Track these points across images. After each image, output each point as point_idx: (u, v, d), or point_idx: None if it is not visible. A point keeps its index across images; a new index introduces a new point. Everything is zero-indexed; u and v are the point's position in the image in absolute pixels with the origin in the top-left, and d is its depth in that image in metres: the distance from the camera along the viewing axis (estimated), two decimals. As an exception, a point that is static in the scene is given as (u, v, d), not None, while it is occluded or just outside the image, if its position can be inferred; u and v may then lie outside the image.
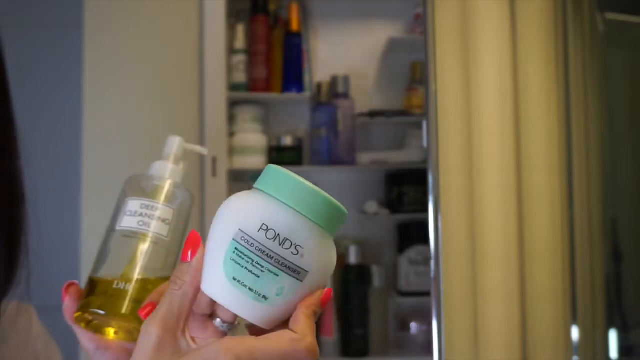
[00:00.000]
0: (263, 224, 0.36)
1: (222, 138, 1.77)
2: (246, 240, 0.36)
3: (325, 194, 0.38)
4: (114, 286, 0.48)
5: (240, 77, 1.96)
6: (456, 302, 1.29)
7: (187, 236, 0.39)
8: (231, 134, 1.95)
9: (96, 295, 0.49)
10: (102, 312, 0.48)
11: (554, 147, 1.28)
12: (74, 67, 1.71)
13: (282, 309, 0.38)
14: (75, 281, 0.50)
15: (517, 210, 1.28)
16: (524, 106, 1.28)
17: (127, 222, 0.50)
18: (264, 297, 0.37)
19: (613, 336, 1.31)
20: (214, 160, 1.73)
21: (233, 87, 1.94)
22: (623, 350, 1.32)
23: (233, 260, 0.37)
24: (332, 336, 1.96)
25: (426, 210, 1.32)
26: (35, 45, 1.85)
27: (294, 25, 2.01)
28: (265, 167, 0.40)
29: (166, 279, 0.49)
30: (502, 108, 1.27)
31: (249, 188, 0.41)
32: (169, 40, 1.78)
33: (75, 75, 1.70)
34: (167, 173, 0.54)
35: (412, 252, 2.01)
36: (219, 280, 0.37)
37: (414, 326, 1.99)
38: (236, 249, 0.37)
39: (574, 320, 1.26)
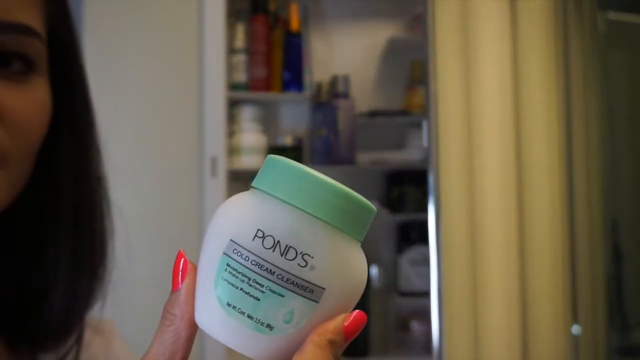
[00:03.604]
0: (258, 229, 0.28)
1: (221, 138, 1.77)
2: (239, 253, 0.28)
3: (341, 186, 0.30)
4: None
5: (240, 76, 1.96)
6: (456, 302, 1.29)
7: (175, 258, 0.31)
8: (231, 133, 1.94)
9: None
10: None
11: (554, 147, 1.28)
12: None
13: (296, 341, 0.29)
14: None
15: (517, 210, 1.28)
16: (524, 106, 1.28)
17: None
18: (269, 326, 0.28)
19: (613, 336, 1.31)
20: (213, 160, 1.72)
21: (233, 86, 1.94)
22: (623, 350, 1.32)
23: (226, 280, 0.28)
24: (332, 336, 1.96)
25: (426, 210, 1.32)
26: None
27: (294, 25, 2.01)
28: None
29: None
30: (502, 108, 1.27)
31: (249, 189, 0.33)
32: (169, 40, 1.78)
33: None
34: None
35: (412, 252, 2.01)
36: (211, 308, 0.29)
37: (414, 326, 1.99)
38: (228, 265, 0.28)
39: (575, 319, 1.26)
